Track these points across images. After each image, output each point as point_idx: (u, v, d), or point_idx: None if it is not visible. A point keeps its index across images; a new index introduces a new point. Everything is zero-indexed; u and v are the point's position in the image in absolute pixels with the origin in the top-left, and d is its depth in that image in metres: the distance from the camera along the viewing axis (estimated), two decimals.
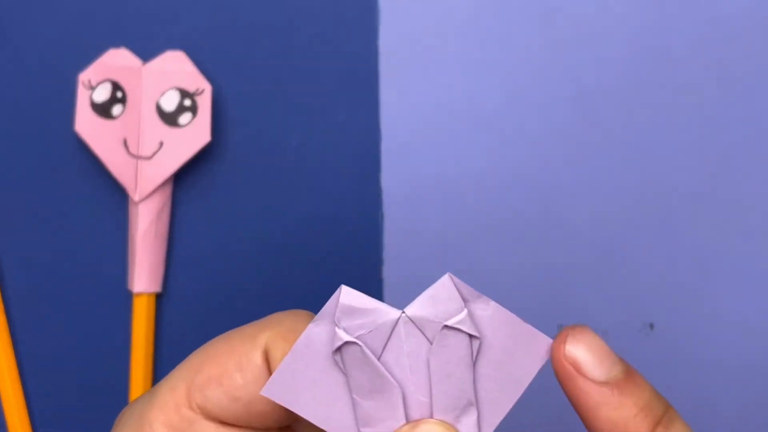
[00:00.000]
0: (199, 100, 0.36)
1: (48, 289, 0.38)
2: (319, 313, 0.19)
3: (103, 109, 0.36)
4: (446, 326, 0.19)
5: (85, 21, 0.38)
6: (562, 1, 0.37)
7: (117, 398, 0.38)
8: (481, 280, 0.38)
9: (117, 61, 0.36)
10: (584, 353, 0.21)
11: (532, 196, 0.38)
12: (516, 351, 0.20)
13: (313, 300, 0.38)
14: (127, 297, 0.38)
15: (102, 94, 0.36)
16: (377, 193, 0.38)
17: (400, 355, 0.19)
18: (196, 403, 0.22)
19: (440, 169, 0.38)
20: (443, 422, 0.20)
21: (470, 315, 0.19)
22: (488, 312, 0.20)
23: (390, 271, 0.38)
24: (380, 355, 0.19)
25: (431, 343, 0.19)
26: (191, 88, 0.36)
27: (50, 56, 0.38)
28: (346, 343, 0.19)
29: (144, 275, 0.36)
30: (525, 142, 0.37)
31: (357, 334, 0.19)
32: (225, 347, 0.22)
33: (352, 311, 0.19)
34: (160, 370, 0.38)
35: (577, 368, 0.21)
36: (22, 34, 0.38)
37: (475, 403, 0.20)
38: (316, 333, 0.19)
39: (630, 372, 0.21)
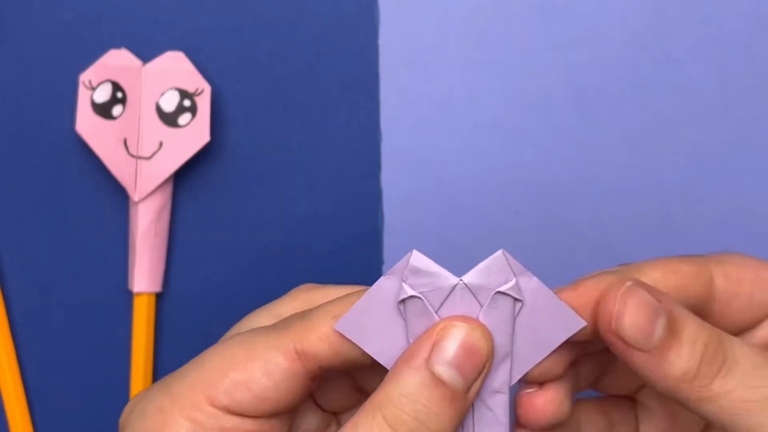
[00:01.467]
0: (198, 100, 0.36)
1: (48, 288, 0.38)
2: (391, 270, 0.23)
3: (103, 110, 0.36)
4: (498, 292, 0.23)
5: (86, 22, 0.38)
6: (562, 1, 0.37)
7: (117, 397, 0.38)
8: None
9: (117, 61, 0.36)
10: (628, 327, 0.22)
11: (532, 196, 0.38)
12: (549, 320, 0.23)
13: None
14: (128, 297, 0.38)
15: (102, 94, 0.36)
16: (377, 193, 0.38)
17: (454, 313, 0.23)
18: (222, 404, 0.24)
19: (440, 169, 0.38)
20: (471, 320, 0.23)
21: (517, 284, 0.23)
22: (531, 285, 0.23)
23: None
24: (437, 311, 0.23)
25: (481, 306, 0.23)
26: (191, 89, 0.36)
27: (51, 57, 0.38)
28: (411, 296, 0.23)
29: (144, 275, 0.36)
30: (525, 142, 0.37)
31: (420, 290, 0.23)
32: (245, 353, 0.24)
33: (418, 272, 0.23)
34: (160, 369, 0.38)
35: (625, 341, 0.22)
36: (23, 35, 0.38)
37: (510, 355, 0.24)
38: (386, 286, 0.23)
39: (673, 330, 0.22)
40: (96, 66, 0.36)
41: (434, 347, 0.22)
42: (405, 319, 0.23)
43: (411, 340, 0.23)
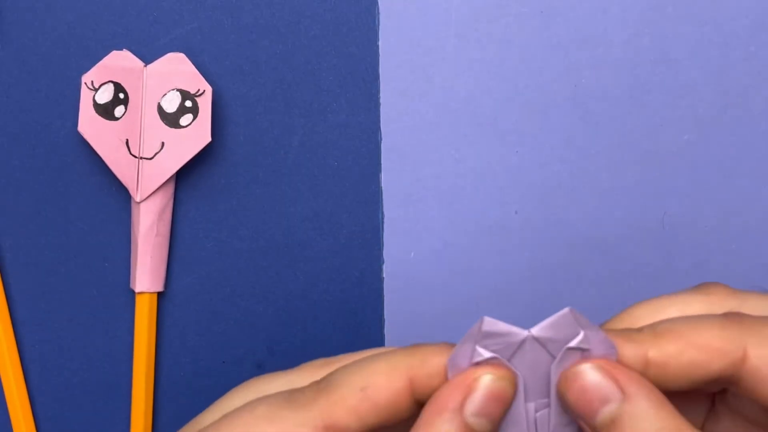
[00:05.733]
0: (199, 101, 0.36)
1: (51, 288, 0.38)
2: (463, 338, 0.24)
3: (105, 110, 0.36)
4: (569, 348, 0.24)
5: (88, 23, 0.38)
6: (562, 2, 0.37)
7: (119, 397, 0.39)
8: (482, 280, 0.38)
9: (119, 62, 0.36)
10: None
11: (532, 196, 0.38)
12: None
13: (312, 300, 0.38)
14: (130, 296, 0.38)
15: (104, 95, 0.36)
16: (377, 193, 0.38)
17: (523, 363, 0.24)
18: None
19: (440, 169, 0.38)
20: (498, 367, 0.24)
21: (586, 336, 0.24)
22: (598, 337, 0.24)
23: (390, 271, 0.38)
24: (509, 360, 0.24)
25: (552, 355, 0.24)
26: (192, 90, 0.36)
27: (53, 58, 0.38)
28: (486, 358, 0.24)
29: (146, 275, 0.37)
30: (525, 142, 0.38)
31: (492, 349, 0.24)
32: (273, 430, 0.24)
33: (490, 335, 0.24)
34: (161, 369, 0.38)
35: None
36: (25, 36, 0.38)
37: None
38: (462, 350, 0.24)
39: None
40: (98, 67, 0.37)
41: (465, 399, 0.23)
42: None
43: None
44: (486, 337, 0.24)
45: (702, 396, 0.27)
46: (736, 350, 0.23)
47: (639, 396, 0.22)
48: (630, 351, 0.23)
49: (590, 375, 0.23)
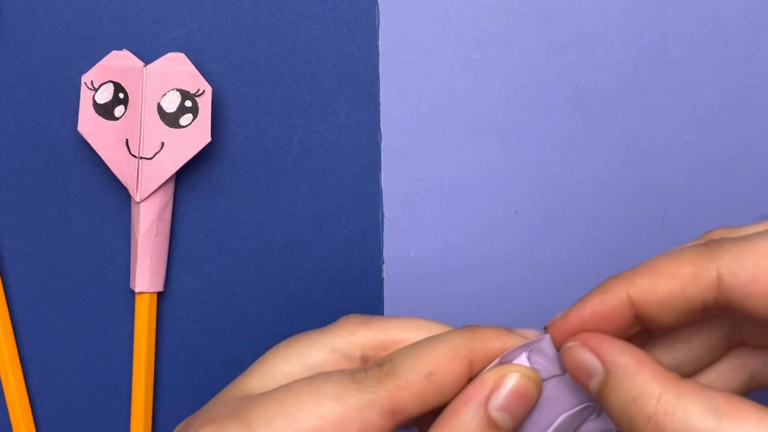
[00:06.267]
0: (199, 101, 0.36)
1: (51, 288, 0.38)
2: (524, 343, 0.26)
3: (105, 110, 0.36)
4: (589, 405, 0.26)
5: (88, 23, 0.38)
6: (562, 2, 0.37)
7: (119, 396, 0.39)
8: (482, 280, 0.38)
9: (119, 62, 0.36)
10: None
11: (532, 196, 0.38)
12: None
13: (312, 300, 0.38)
14: (129, 296, 0.38)
15: (104, 95, 0.36)
16: (377, 193, 0.38)
17: (552, 390, 0.26)
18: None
19: (440, 169, 0.38)
20: (523, 367, 0.25)
21: None
22: None
23: (390, 271, 0.38)
24: (543, 381, 0.26)
25: (564, 394, 0.26)
26: (192, 90, 0.36)
27: (53, 58, 0.38)
28: (527, 368, 0.25)
29: (146, 275, 0.37)
30: (524, 142, 0.37)
31: (534, 366, 0.25)
32: (341, 408, 0.24)
33: (541, 352, 0.25)
34: (161, 369, 0.38)
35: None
36: (25, 36, 0.38)
37: None
38: (514, 354, 0.25)
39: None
40: (98, 67, 0.37)
41: (492, 393, 0.24)
42: None
43: None
44: (538, 353, 0.25)
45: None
46: (707, 272, 0.23)
47: (617, 365, 0.23)
48: (612, 298, 0.24)
49: (578, 351, 0.24)
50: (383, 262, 0.38)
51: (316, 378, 0.25)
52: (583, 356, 0.24)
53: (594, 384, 0.24)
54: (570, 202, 0.38)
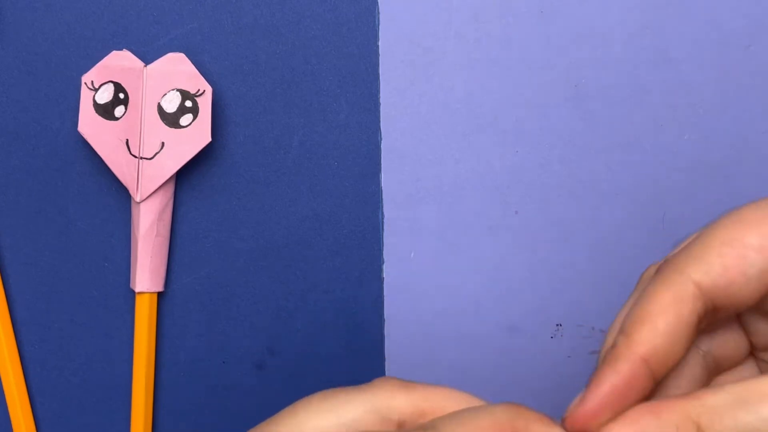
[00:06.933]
0: (199, 101, 0.36)
1: (51, 288, 0.38)
2: None
3: (105, 110, 0.36)
4: None
5: (88, 24, 0.38)
6: (562, 2, 0.37)
7: (119, 396, 0.39)
8: (482, 280, 0.38)
9: (119, 62, 0.36)
10: None
11: (532, 196, 0.38)
12: None
13: (312, 300, 0.38)
14: (130, 296, 0.38)
15: (104, 95, 0.36)
16: (377, 193, 0.38)
17: None
18: None
19: (440, 169, 0.38)
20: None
21: None
22: None
23: (390, 271, 0.38)
24: None
25: None
26: (192, 90, 0.36)
27: (53, 58, 0.38)
28: None
29: (146, 275, 0.37)
30: (524, 142, 0.38)
31: None
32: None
33: None
34: (161, 369, 0.38)
35: None
36: (26, 36, 0.38)
37: None
38: None
39: None
40: (98, 67, 0.37)
41: None
42: None
43: None
44: None
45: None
46: (686, 288, 0.24)
47: (643, 425, 0.23)
48: (623, 364, 0.24)
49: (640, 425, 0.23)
50: (383, 262, 0.38)
51: None
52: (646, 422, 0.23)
53: None
54: (570, 202, 0.38)
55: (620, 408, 0.24)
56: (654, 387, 0.25)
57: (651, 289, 0.24)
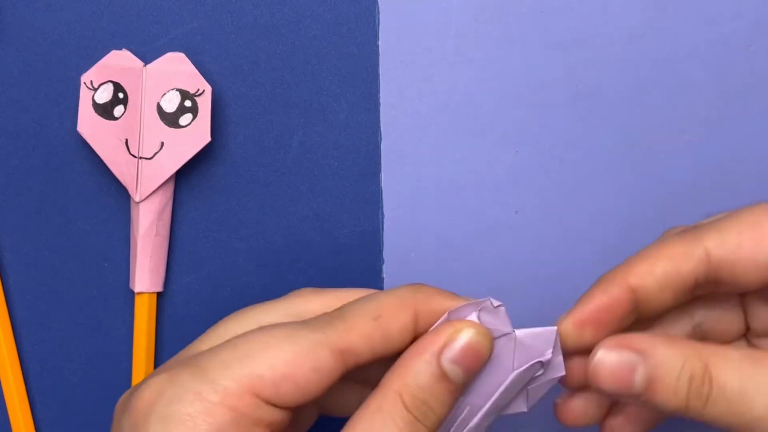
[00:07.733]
0: (199, 101, 0.36)
1: (50, 288, 0.38)
2: (471, 302, 0.26)
3: (104, 110, 0.36)
4: (539, 361, 0.26)
5: (88, 23, 0.38)
6: (562, 2, 0.37)
7: (118, 397, 0.39)
8: (482, 280, 0.38)
9: (119, 62, 0.36)
10: (611, 391, 0.25)
11: (532, 196, 0.38)
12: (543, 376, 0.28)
13: None
14: (129, 296, 0.38)
15: (104, 95, 0.36)
16: (377, 193, 0.38)
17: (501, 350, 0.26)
18: (266, 395, 0.24)
19: (440, 169, 0.38)
20: (478, 324, 0.26)
21: (551, 357, 0.27)
22: (557, 360, 0.27)
23: (390, 271, 0.38)
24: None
25: (514, 352, 0.26)
26: (192, 89, 0.36)
27: (53, 58, 0.38)
28: (480, 324, 0.26)
29: (145, 275, 0.37)
30: (524, 142, 0.38)
31: (485, 324, 0.26)
32: (293, 348, 0.25)
33: (491, 312, 0.26)
34: None
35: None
36: (25, 36, 0.38)
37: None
38: (464, 310, 0.26)
39: (653, 377, 0.25)
40: (97, 67, 0.37)
41: (445, 346, 0.25)
42: None
43: None
44: (488, 312, 0.26)
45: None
46: (696, 249, 0.25)
47: (653, 347, 0.24)
48: (614, 288, 0.26)
49: (609, 357, 0.25)
50: (383, 262, 0.38)
51: (267, 326, 0.26)
52: (616, 356, 0.24)
53: (639, 376, 0.24)
54: (570, 202, 0.38)
55: (601, 327, 0.26)
56: (633, 321, 0.27)
57: (664, 241, 0.26)
